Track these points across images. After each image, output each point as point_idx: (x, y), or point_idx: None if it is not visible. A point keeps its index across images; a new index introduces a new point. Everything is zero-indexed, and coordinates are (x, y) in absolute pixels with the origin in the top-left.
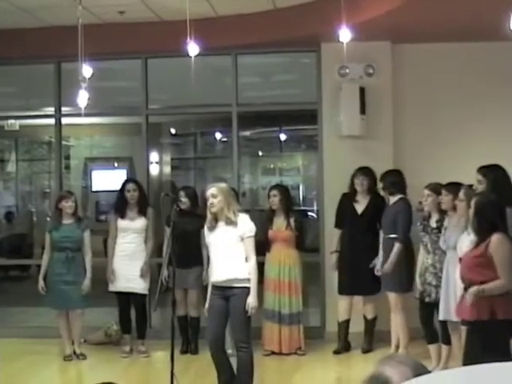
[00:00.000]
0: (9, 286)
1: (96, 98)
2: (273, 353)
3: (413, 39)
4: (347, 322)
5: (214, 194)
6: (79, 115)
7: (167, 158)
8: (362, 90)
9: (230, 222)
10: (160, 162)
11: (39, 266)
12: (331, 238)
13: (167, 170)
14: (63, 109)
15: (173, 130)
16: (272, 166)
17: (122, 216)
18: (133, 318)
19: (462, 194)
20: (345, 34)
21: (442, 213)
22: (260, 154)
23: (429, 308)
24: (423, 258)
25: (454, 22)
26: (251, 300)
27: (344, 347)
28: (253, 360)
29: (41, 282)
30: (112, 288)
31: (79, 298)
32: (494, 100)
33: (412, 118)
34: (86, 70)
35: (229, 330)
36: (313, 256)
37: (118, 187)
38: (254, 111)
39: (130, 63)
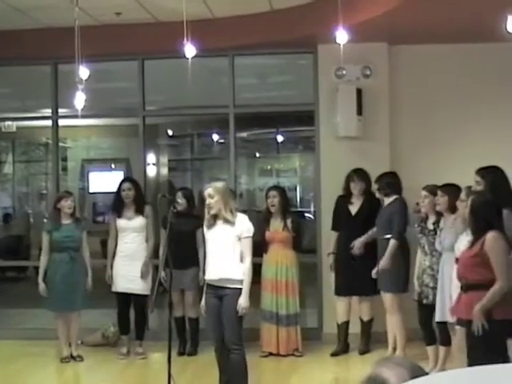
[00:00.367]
0: (5, 287)
1: (93, 99)
2: (270, 354)
3: (409, 40)
4: (346, 323)
5: (211, 194)
6: (76, 117)
7: (164, 159)
8: (359, 92)
9: (228, 222)
10: (157, 164)
11: (36, 268)
12: (328, 239)
13: (164, 171)
14: (60, 110)
15: (170, 132)
16: (269, 167)
17: (120, 215)
18: (131, 318)
19: (463, 195)
20: (341, 36)
21: (439, 214)
22: (257, 155)
23: (427, 310)
24: (421, 260)
25: (450, 23)
26: (242, 301)
27: (343, 349)
28: (245, 362)
29: (42, 285)
30: (113, 288)
31: (81, 298)
32: (491, 101)
33: (409, 119)
34: (83, 72)
35: None
36: (310, 257)
37: (114, 188)
38: (250, 112)
39: (127, 64)
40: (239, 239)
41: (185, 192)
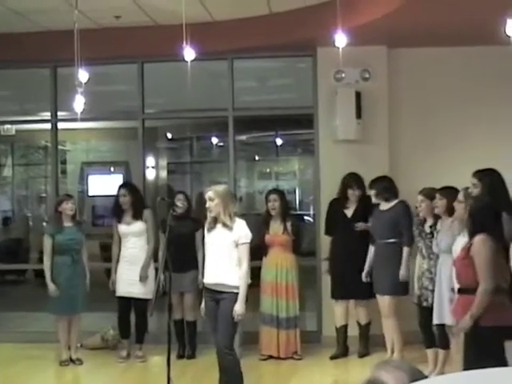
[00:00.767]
0: (5, 290)
1: (92, 102)
2: (270, 357)
3: (408, 44)
4: (345, 327)
5: (211, 197)
6: (75, 120)
7: (163, 162)
8: (358, 95)
9: (226, 226)
10: (156, 167)
11: (36, 271)
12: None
13: (163, 174)
14: (59, 113)
15: (169, 135)
16: (268, 170)
17: (120, 221)
18: (132, 322)
19: (461, 196)
20: (340, 39)
21: (437, 218)
22: (256, 158)
23: (426, 312)
24: (420, 263)
25: (449, 26)
26: (238, 307)
27: (342, 352)
28: (239, 367)
29: (51, 285)
30: (116, 293)
31: (84, 300)
32: (490, 104)
33: (408, 122)
34: (82, 75)
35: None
36: (309, 260)
37: (114, 192)
38: (250, 115)
39: (126, 68)
40: (236, 245)
41: (184, 195)
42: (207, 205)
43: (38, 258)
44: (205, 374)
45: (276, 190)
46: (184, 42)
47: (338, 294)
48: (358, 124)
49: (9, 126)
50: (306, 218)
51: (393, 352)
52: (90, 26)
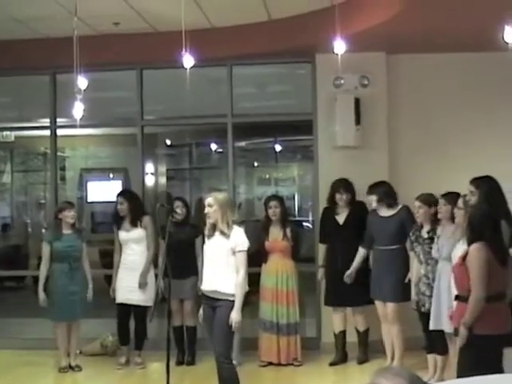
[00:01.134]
0: (4, 296)
1: (91, 109)
2: (270, 364)
3: (407, 50)
4: (343, 333)
5: (211, 203)
6: (74, 126)
7: (162, 168)
8: (357, 101)
9: (223, 234)
10: (155, 173)
11: (35, 277)
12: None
13: (163, 180)
14: (58, 120)
15: (168, 141)
16: (267, 176)
17: (119, 228)
18: (131, 328)
19: (460, 203)
20: (339, 45)
21: (434, 223)
22: (255, 164)
23: (425, 318)
24: (417, 269)
25: (448, 32)
26: (235, 315)
27: (341, 359)
28: (237, 376)
29: (42, 295)
30: (116, 300)
31: (83, 307)
32: (489, 109)
33: (407, 128)
34: (82, 82)
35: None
36: (308, 266)
37: (113, 198)
38: (249, 122)
39: (126, 74)
40: (233, 252)
41: (183, 201)
42: (206, 210)
43: (36, 264)
44: (204, 380)
45: (276, 197)
46: (183, 49)
47: (332, 301)
48: (357, 130)
49: (8, 133)
50: (304, 224)
51: (393, 358)
52: (89, 32)
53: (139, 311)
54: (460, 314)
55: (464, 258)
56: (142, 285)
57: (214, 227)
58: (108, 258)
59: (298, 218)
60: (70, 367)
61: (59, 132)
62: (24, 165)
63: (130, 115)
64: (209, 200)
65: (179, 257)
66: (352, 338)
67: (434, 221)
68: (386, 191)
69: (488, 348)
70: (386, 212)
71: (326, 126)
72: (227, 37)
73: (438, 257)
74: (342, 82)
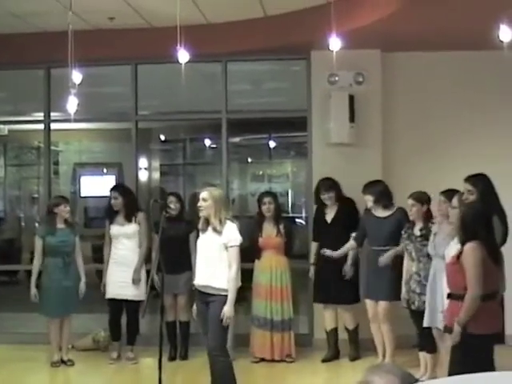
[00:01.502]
0: None
1: (86, 103)
2: (262, 360)
3: (402, 47)
4: (335, 330)
5: (205, 197)
6: (69, 121)
7: (156, 163)
8: (352, 98)
9: (215, 231)
10: (149, 168)
11: (28, 271)
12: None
13: (156, 175)
14: (52, 114)
15: (162, 136)
16: (261, 172)
17: (112, 222)
18: (123, 324)
19: (455, 201)
20: (335, 42)
21: (426, 221)
22: (249, 160)
23: (415, 316)
24: (408, 266)
25: (444, 30)
26: (227, 309)
27: (333, 355)
28: (232, 371)
29: (33, 290)
30: (106, 295)
31: (76, 302)
32: (484, 108)
33: (401, 126)
34: (76, 76)
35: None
36: (301, 263)
37: (106, 193)
38: (243, 118)
39: (120, 69)
40: (226, 248)
41: (177, 196)
42: (199, 204)
43: (29, 258)
44: (196, 376)
45: (269, 193)
46: (178, 44)
47: (320, 298)
48: (351, 127)
49: (2, 127)
50: (298, 220)
51: (384, 356)
52: (83, 27)
53: (132, 306)
54: (452, 312)
55: (458, 256)
56: (136, 281)
57: (207, 222)
58: (100, 253)
59: (291, 215)
60: (63, 362)
61: (53, 126)
62: (17, 159)
63: (124, 110)
64: (203, 194)
65: (173, 252)
66: (344, 335)
67: (427, 219)
68: (382, 191)
69: (481, 347)
70: (381, 213)
71: (320, 123)
72: (222, 33)
73: (434, 254)
74: (337, 79)
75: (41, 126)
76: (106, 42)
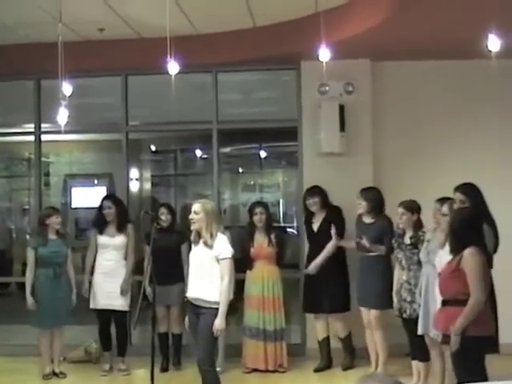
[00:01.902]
0: None
1: (76, 114)
2: (254, 370)
3: (392, 57)
4: (327, 339)
5: (197, 210)
6: (59, 132)
7: (147, 174)
8: (342, 108)
9: (206, 245)
10: (140, 179)
11: (19, 283)
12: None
13: (147, 186)
14: (43, 125)
15: (153, 147)
16: (252, 182)
17: (101, 232)
18: (113, 334)
19: (445, 209)
20: (324, 53)
21: (416, 230)
22: (240, 170)
23: (408, 324)
24: (399, 275)
25: (432, 40)
26: (218, 322)
27: (326, 365)
28: (219, 383)
29: (30, 299)
30: (92, 305)
31: (67, 314)
32: (473, 116)
33: (391, 134)
34: (66, 88)
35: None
36: (292, 272)
37: (97, 204)
38: (234, 128)
39: (110, 80)
40: (217, 260)
41: (168, 208)
42: (191, 216)
43: (21, 270)
44: None
45: (261, 203)
46: (168, 55)
47: (309, 308)
48: (341, 137)
49: None
50: (289, 230)
51: (377, 364)
52: (73, 38)
53: (120, 317)
54: (447, 319)
55: (458, 262)
56: (125, 292)
57: (199, 234)
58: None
59: (282, 224)
60: (54, 374)
61: (43, 137)
62: (8, 170)
63: (114, 121)
64: (195, 207)
65: (165, 263)
66: (337, 343)
67: (417, 227)
68: (378, 199)
69: (480, 348)
70: (368, 219)
71: (310, 133)
72: (212, 43)
73: (427, 261)
74: (327, 88)
75: (31, 138)
76: (96, 53)
